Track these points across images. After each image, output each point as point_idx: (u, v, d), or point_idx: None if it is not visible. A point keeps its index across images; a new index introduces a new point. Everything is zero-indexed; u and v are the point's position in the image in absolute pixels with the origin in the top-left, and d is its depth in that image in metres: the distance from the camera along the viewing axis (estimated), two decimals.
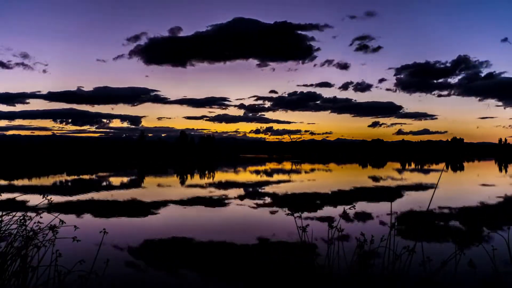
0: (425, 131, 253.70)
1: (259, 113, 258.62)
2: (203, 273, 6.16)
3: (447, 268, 3.89)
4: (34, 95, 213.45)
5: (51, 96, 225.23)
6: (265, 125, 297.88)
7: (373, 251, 4.06)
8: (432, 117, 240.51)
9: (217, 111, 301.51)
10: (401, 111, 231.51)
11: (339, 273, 4.18)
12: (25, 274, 3.84)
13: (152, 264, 6.66)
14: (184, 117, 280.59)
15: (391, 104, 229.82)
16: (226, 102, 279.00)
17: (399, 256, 3.94)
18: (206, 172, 37.48)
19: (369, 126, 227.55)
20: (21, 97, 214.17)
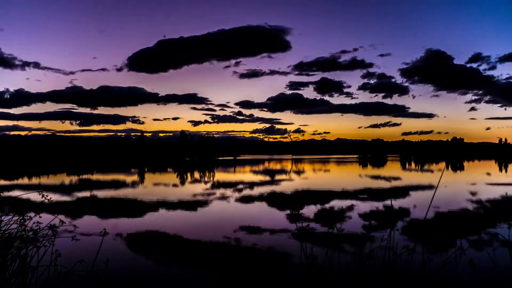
0: (426, 132, 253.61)
1: (259, 113, 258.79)
2: (203, 272, 6.15)
3: (447, 268, 3.88)
4: (34, 96, 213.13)
5: (51, 97, 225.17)
6: (265, 125, 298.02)
7: (373, 251, 4.05)
8: (433, 117, 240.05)
9: (217, 111, 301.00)
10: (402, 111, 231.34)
11: (339, 273, 4.18)
12: (25, 274, 3.83)
13: (152, 264, 6.65)
14: (184, 117, 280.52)
15: (392, 104, 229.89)
16: (226, 103, 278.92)
17: (399, 256, 3.93)
18: (206, 172, 37.47)
19: (370, 126, 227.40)
20: (22, 98, 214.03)
